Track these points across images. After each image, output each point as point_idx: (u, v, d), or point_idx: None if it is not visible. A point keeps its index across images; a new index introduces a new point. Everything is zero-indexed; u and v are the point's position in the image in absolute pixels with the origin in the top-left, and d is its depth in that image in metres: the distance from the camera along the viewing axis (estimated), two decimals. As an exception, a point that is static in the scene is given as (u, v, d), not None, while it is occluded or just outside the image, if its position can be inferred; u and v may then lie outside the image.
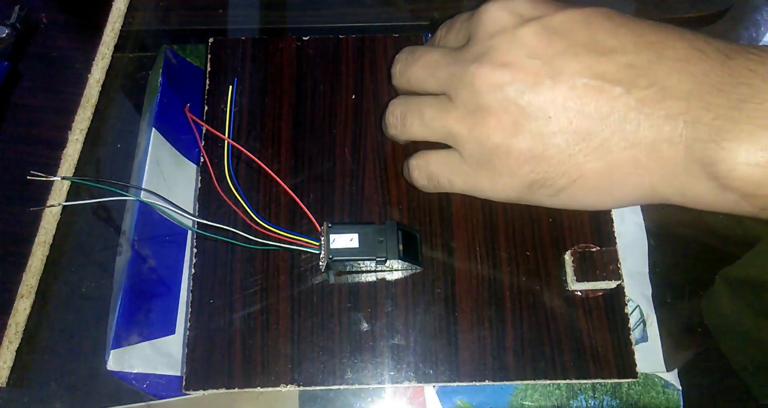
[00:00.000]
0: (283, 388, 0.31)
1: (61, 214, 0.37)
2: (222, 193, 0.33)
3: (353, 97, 0.37)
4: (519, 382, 0.33)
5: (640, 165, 0.25)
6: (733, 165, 0.23)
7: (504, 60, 0.25)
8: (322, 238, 0.31)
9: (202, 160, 0.35)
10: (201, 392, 0.31)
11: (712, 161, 0.23)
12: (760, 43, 0.44)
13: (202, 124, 0.35)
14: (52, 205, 0.37)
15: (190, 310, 0.32)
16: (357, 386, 0.31)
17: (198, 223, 0.33)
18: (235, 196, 0.33)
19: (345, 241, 0.31)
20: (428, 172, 0.30)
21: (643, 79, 0.23)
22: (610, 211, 0.34)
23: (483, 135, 0.26)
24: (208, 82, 0.37)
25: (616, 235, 0.34)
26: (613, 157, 0.25)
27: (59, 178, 0.37)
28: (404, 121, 0.30)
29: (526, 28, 0.25)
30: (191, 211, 0.34)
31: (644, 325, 0.36)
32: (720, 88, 0.23)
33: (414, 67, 0.29)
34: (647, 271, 0.37)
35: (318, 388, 0.31)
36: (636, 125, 0.24)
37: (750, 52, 0.23)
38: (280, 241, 0.32)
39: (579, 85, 0.24)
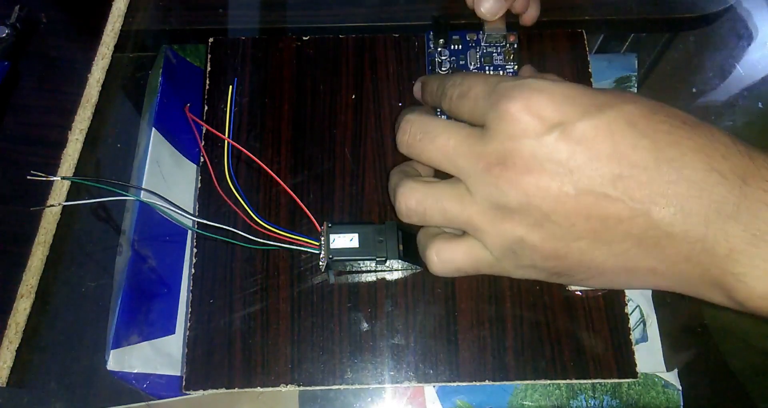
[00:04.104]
0: (283, 388, 0.31)
1: (61, 214, 0.37)
2: (222, 193, 0.33)
3: (353, 97, 0.37)
4: (519, 382, 0.33)
5: (658, 273, 0.26)
6: (750, 295, 0.24)
7: (528, 167, 0.25)
8: (322, 238, 0.31)
9: (202, 160, 0.35)
10: (201, 392, 0.31)
11: (729, 288, 0.24)
12: (760, 43, 0.44)
13: (202, 124, 0.35)
14: (52, 205, 0.37)
15: (190, 310, 0.32)
16: (357, 386, 0.31)
17: (198, 223, 0.33)
18: (235, 196, 0.33)
19: (345, 241, 0.31)
20: (456, 267, 0.29)
21: (662, 198, 0.24)
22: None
23: (508, 231, 0.26)
24: (208, 82, 0.37)
25: (616, 235, 0.34)
26: (633, 264, 0.26)
27: (59, 178, 0.37)
28: (419, 200, 0.29)
29: (549, 137, 0.25)
30: (191, 211, 0.34)
31: (644, 325, 0.36)
32: (737, 219, 0.23)
33: (429, 148, 0.28)
34: (647, 271, 0.37)
35: (318, 388, 0.31)
36: (654, 242, 0.24)
37: (765, 179, 0.23)
38: (280, 241, 0.32)
39: (601, 198, 0.24)
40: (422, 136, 0.29)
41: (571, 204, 0.25)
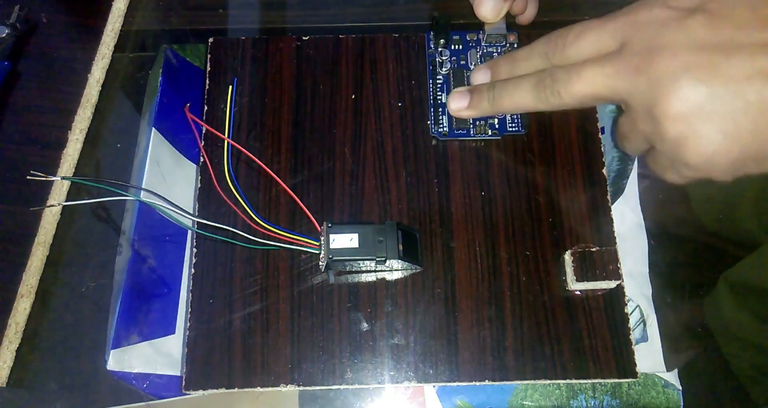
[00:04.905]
0: (283, 388, 0.31)
1: (61, 214, 0.37)
2: (222, 193, 0.33)
3: (353, 97, 0.37)
4: (519, 382, 0.33)
5: None
6: None
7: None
8: (322, 238, 0.31)
9: (202, 160, 0.35)
10: (201, 392, 0.31)
11: None
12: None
13: (202, 124, 0.35)
14: (52, 205, 0.37)
15: (190, 310, 0.32)
16: (357, 386, 0.31)
17: (198, 223, 0.33)
18: (235, 196, 0.33)
19: (345, 241, 0.31)
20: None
21: None
22: (610, 211, 0.34)
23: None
24: (208, 82, 0.37)
25: (616, 235, 0.34)
26: None
27: (59, 178, 0.37)
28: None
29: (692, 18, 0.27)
30: (191, 211, 0.34)
31: (644, 325, 0.36)
32: None
33: (596, 73, 0.29)
34: (647, 271, 0.37)
35: (318, 388, 0.31)
36: None
37: None
38: (280, 241, 0.32)
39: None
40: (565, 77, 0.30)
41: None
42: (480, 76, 0.35)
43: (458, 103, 0.35)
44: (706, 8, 0.27)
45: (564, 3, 0.44)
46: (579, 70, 0.29)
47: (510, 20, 0.38)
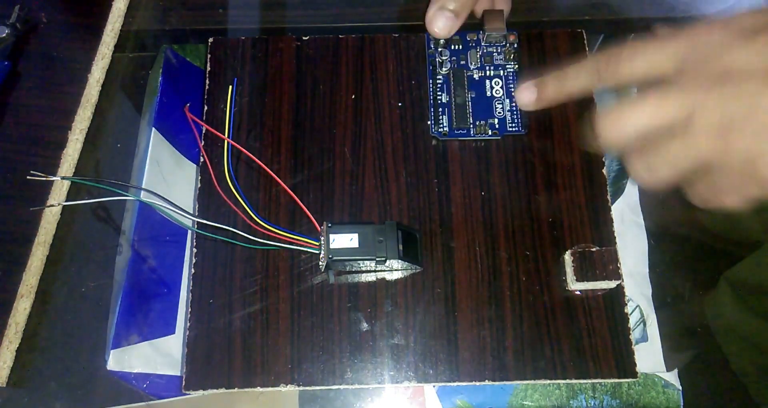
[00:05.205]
0: (283, 388, 0.31)
1: (61, 214, 0.37)
2: (222, 193, 0.33)
3: (353, 97, 0.37)
4: (519, 382, 0.33)
5: None
6: None
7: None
8: (322, 238, 0.31)
9: (202, 160, 0.35)
10: (201, 392, 0.31)
11: None
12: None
13: (202, 124, 0.35)
14: (52, 205, 0.37)
15: (190, 310, 0.32)
16: (357, 386, 0.31)
17: (198, 223, 0.33)
18: (235, 196, 0.33)
19: (345, 241, 0.31)
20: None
21: None
22: (610, 211, 0.34)
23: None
24: (208, 82, 0.37)
25: (616, 235, 0.34)
26: None
27: (59, 178, 0.37)
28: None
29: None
30: (191, 211, 0.34)
31: (644, 325, 0.36)
32: None
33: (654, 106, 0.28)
34: (647, 271, 0.37)
35: (318, 388, 0.31)
36: None
37: None
38: (280, 241, 0.32)
39: None
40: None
41: None
42: (526, 95, 0.35)
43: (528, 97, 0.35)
44: None
45: (564, 3, 0.44)
46: (636, 103, 0.29)
47: (512, 20, 0.38)
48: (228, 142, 0.34)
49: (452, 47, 0.37)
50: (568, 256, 0.33)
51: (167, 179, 0.38)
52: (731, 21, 0.28)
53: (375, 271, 0.33)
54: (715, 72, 0.27)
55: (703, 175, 0.29)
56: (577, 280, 0.31)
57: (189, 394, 0.32)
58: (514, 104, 0.36)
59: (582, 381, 0.32)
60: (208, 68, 0.37)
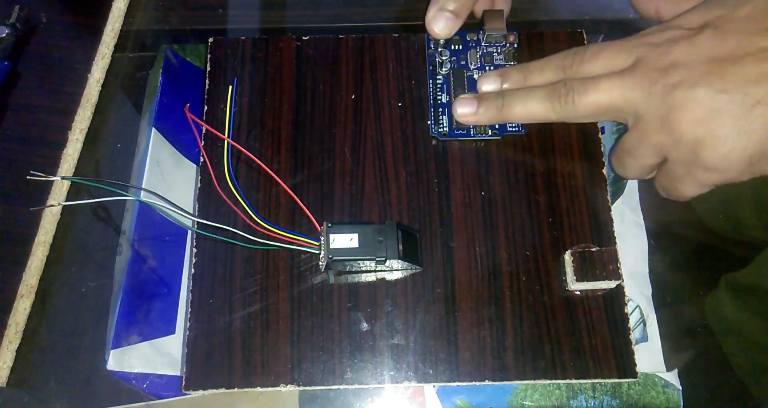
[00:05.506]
0: (283, 388, 0.31)
1: (61, 214, 0.37)
2: (222, 193, 0.33)
3: (353, 97, 0.37)
4: (519, 382, 0.33)
5: None
6: None
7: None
8: (322, 238, 0.31)
9: (202, 160, 0.35)
10: (201, 392, 0.31)
11: None
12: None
13: (202, 124, 0.35)
14: (52, 205, 0.37)
15: (190, 310, 0.32)
16: (357, 386, 0.31)
17: (198, 223, 0.33)
18: (235, 196, 0.33)
19: (345, 240, 0.31)
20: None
21: None
22: (610, 210, 0.34)
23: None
24: (208, 82, 0.37)
25: (616, 235, 0.34)
26: None
27: (59, 178, 0.37)
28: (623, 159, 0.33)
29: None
30: (191, 211, 0.34)
31: (644, 325, 0.36)
32: None
33: (602, 88, 0.31)
34: (647, 271, 0.37)
35: (318, 388, 0.31)
36: None
37: None
38: (280, 241, 0.32)
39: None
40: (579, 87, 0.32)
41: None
42: (489, 82, 0.35)
43: (465, 109, 0.35)
44: (712, 24, 0.30)
45: (564, 3, 0.44)
46: (596, 81, 0.31)
47: (513, 20, 0.38)
48: (228, 142, 0.34)
49: (452, 47, 0.37)
50: (568, 256, 0.33)
51: (167, 179, 0.38)
52: (682, 20, 0.31)
53: (375, 271, 0.33)
54: (662, 66, 0.30)
55: (661, 166, 0.32)
56: (577, 280, 0.32)
57: (189, 394, 0.32)
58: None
59: (582, 381, 0.32)
60: (208, 68, 0.37)
